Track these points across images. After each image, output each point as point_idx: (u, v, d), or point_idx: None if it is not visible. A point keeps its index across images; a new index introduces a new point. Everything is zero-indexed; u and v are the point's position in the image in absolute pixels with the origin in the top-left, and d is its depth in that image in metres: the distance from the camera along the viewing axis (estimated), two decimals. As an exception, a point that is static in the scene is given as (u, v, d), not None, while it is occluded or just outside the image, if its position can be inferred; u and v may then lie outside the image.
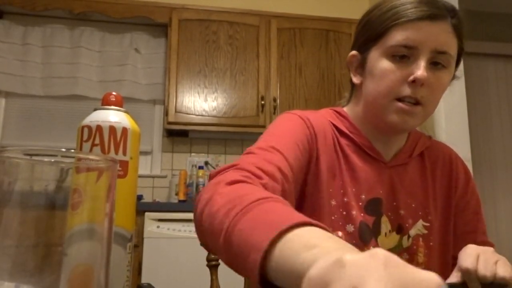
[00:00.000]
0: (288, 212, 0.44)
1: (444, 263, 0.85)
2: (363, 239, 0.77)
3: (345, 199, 0.78)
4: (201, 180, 2.82)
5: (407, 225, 0.81)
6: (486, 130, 3.45)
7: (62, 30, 3.05)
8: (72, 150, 0.33)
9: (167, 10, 2.93)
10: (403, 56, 0.75)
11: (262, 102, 2.85)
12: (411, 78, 0.74)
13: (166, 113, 2.79)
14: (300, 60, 2.98)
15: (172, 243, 2.33)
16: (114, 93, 0.57)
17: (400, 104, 0.75)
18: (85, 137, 0.51)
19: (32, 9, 2.84)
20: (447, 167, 0.90)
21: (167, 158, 3.08)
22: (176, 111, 2.78)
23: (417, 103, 0.75)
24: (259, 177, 0.61)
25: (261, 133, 0.80)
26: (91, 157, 0.33)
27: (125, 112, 0.55)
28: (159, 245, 2.32)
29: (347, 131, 0.84)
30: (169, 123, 2.78)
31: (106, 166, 0.32)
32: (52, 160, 0.29)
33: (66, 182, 0.29)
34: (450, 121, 2.17)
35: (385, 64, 0.76)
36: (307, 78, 2.96)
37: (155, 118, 3.13)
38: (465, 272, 0.68)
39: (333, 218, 0.77)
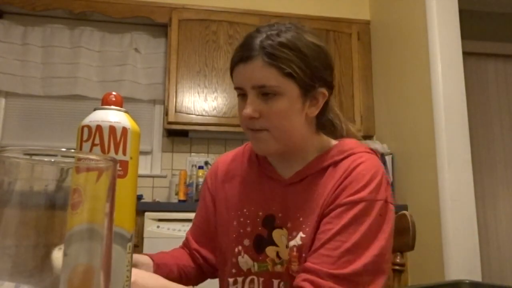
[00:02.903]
0: None
1: None
2: (258, 250, 0.90)
3: (241, 219, 0.92)
4: (200, 180, 2.81)
5: (290, 237, 0.86)
6: (486, 130, 3.45)
7: (62, 30, 3.05)
8: (72, 150, 0.33)
9: (167, 10, 2.93)
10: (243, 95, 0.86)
11: (262, 102, 2.85)
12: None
13: (166, 113, 2.79)
14: (300, 60, 2.97)
15: (172, 243, 2.32)
16: (114, 93, 0.57)
17: (249, 132, 0.87)
18: (85, 137, 0.51)
19: (32, 9, 2.84)
20: (340, 181, 0.84)
21: (167, 158, 3.08)
22: (176, 111, 2.78)
23: (262, 129, 0.84)
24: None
25: None
26: (91, 157, 0.33)
27: (125, 112, 0.55)
28: (159, 245, 2.31)
29: (254, 158, 0.98)
30: (169, 123, 2.78)
31: (106, 166, 0.32)
32: (52, 160, 0.29)
33: (66, 182, 0.29)
34: (450, 121, 2.17)
35: (239, 103, 0.89)
36: (307, 78, 2.96)
37: (155, 118, 3.13)
38: None
39: (234, 235, 0.92)
